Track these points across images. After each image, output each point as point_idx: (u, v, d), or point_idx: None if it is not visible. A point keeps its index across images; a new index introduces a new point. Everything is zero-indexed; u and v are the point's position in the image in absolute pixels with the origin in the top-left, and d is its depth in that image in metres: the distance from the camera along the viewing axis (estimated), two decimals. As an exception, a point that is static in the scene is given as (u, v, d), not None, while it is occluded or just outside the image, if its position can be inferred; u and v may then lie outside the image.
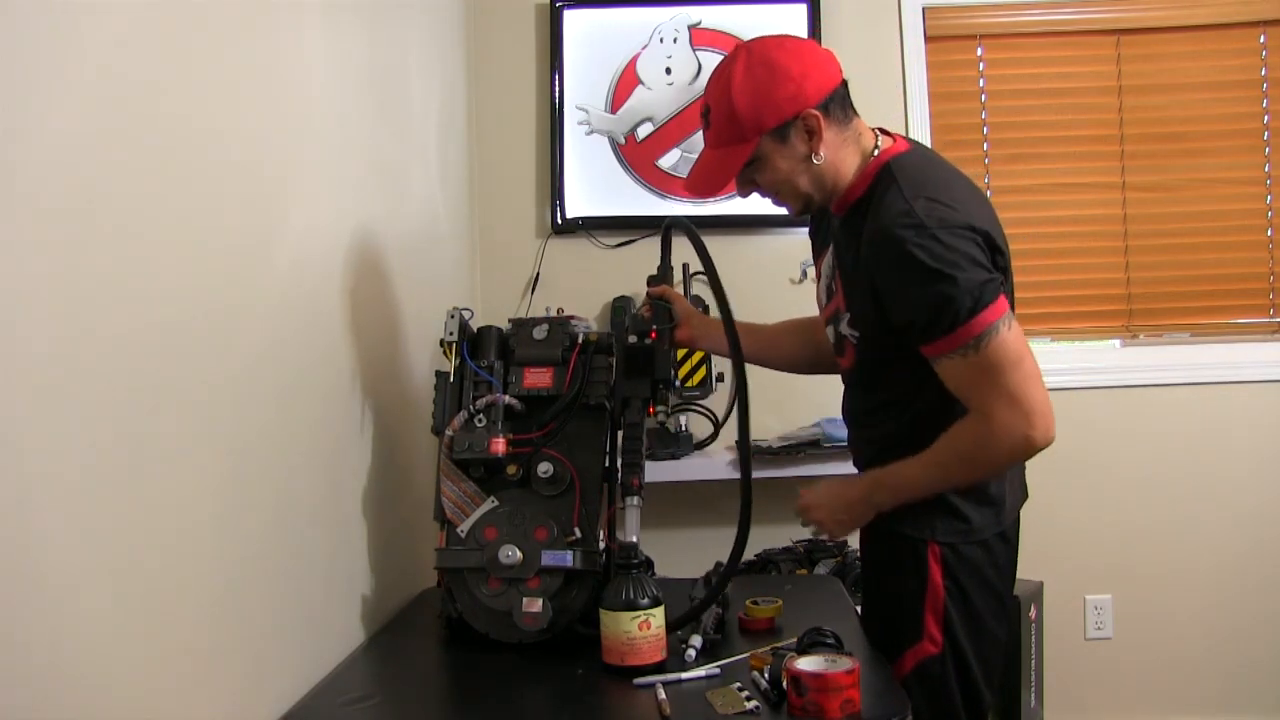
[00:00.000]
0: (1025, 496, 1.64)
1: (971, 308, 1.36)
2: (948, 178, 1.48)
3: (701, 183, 1.55)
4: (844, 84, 1.50)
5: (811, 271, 2.68)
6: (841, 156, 1.49)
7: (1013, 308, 1.45)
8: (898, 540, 1.53)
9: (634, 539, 1.43)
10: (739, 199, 1.61)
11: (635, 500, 1.49)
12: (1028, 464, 1.62)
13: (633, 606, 1.37)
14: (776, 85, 1.44)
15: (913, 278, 1.37)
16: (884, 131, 1.55)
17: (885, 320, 1.45)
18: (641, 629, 1.37)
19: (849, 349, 1.57)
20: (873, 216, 1.44)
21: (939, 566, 1.49)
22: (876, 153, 1.50)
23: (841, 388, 1.70)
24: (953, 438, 1.45)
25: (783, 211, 1.60)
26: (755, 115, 1.45)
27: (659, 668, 1.37)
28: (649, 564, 1.64)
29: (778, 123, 1.45)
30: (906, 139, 1.56)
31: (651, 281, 1.78)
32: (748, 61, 1.46)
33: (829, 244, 1.62)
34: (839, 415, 1.75)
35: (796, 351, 1.86)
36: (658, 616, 1.39)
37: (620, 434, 1.57)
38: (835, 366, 1.67)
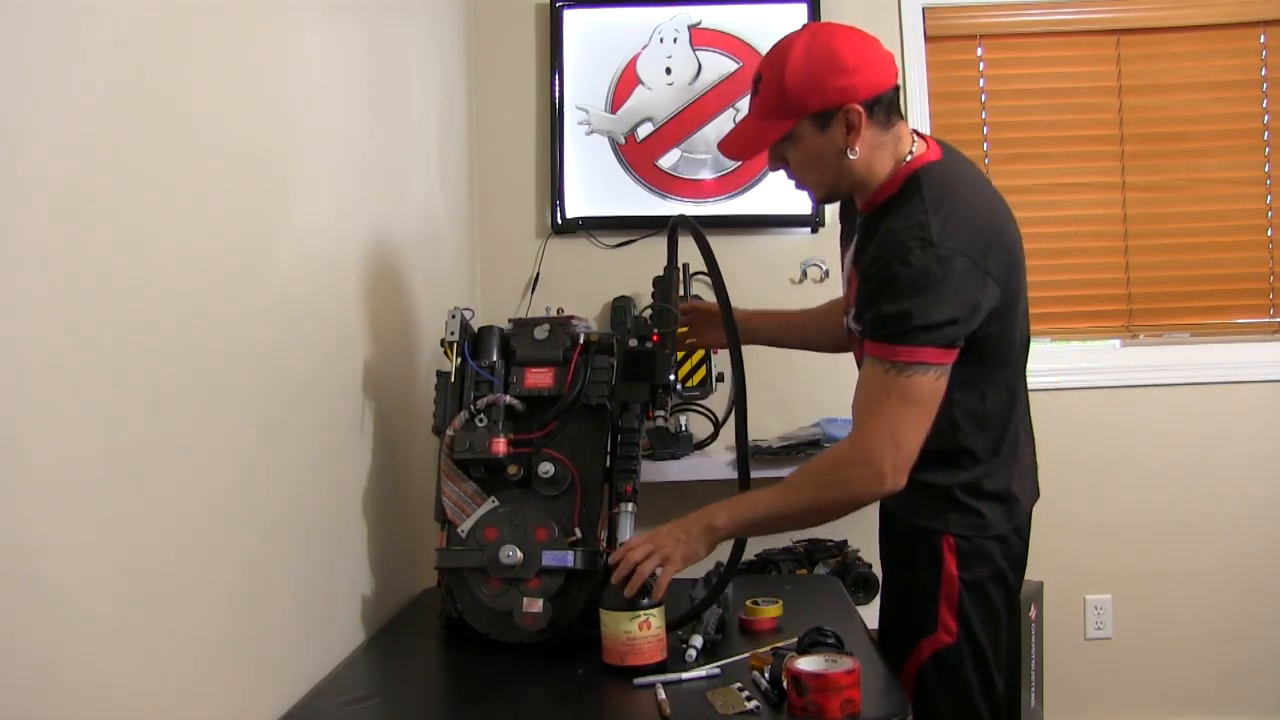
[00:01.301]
0: (1037, 496, 1.65)
1: (922, 337, 1.37)
2: (970, 197, 1.48)
3: (736, 146, 1.58)
4: (896, 89, 1.51)
5: (812, 271, 2.71)
6: (877, 157, 1.50)
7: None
8: (913, 533, 1.54)
9: None
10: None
11: (630, 507, 1.51)
12: (1037, 463, 1.64)
13: (633, 606, 1.37)
14: (830, 73, 1.45)
15: (899, 277, 1.38)
16: (920, 135, 1.55)
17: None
18: (641, 629, 1.37)
19: (855, 343, 1.58)
20: (891, 219, 1.46)
21: (954, 557, 1.50)
22: (909, 158, 1.51)
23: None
24: (814, 459, 1.51)
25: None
26: (801, 96, 1.46)
27: (659, 668, 1.37)
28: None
29: (821, 108, 1.46)
30: (940, 144, 1.56)
31: (657, 282, 1.78)
32: (809, 43, 1.47)
33: (853, 238, 1.63)
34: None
35: (832, 332, 1.84)
36: (658, 617, 1.39)
37: (617, 438, 1.57)
38: None
